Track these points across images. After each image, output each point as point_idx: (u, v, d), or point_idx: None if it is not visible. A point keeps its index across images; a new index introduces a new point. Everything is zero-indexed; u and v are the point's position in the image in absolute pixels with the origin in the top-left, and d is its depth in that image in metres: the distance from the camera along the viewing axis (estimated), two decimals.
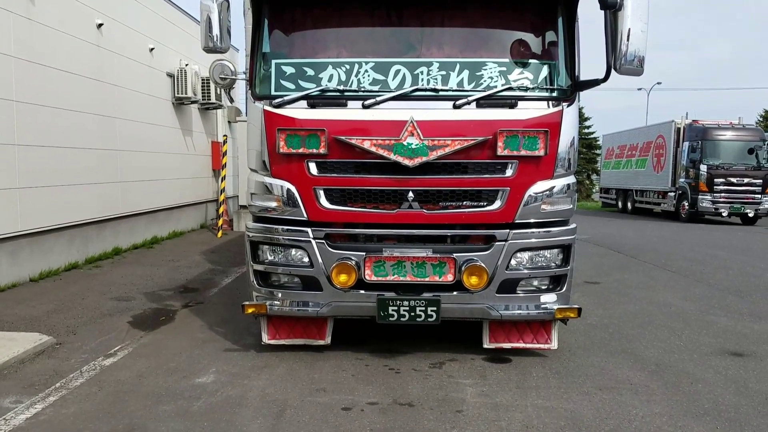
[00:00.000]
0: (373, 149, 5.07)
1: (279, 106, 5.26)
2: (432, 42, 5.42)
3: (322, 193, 5.28)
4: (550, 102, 5.26)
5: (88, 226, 10.45)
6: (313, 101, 5.23)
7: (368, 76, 5.31)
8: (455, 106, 5.14)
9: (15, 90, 8.45)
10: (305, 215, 5.32)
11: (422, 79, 5.26)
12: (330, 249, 5.32)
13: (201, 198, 16.28)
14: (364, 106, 5.14)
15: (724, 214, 22.25)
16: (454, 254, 5.23)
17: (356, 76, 5.31)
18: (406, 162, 5.07)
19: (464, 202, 5.26)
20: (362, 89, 5.26)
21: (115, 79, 11.42)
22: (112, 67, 11.28)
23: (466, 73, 5.27)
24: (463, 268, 5.15)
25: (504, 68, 5.31)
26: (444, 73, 5.28)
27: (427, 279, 5.26)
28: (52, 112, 9.32)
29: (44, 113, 9.13)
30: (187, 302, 8.02)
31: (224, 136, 16.11)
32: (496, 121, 5.10)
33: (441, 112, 5.15)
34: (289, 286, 5.54)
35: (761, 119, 46.23)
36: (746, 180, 21.94)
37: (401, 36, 5.48)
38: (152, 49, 13.06)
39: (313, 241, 5.33)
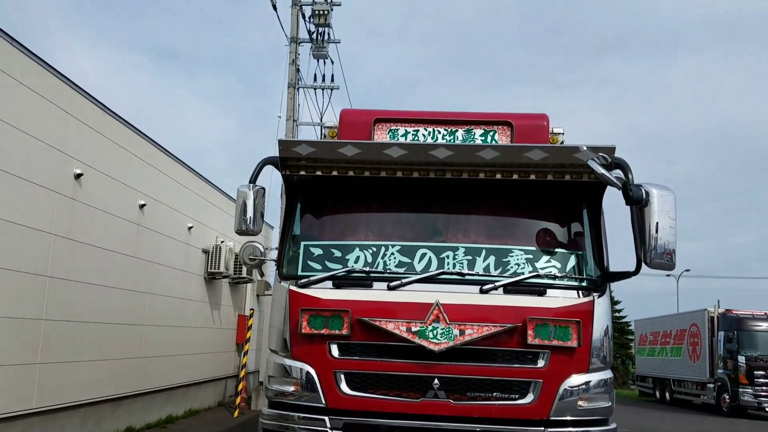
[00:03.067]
0: (397, 332, 4.96)
1: (305, 285, 5.27)
2: (458, 228, 5.53)
3: (342, 377, 5.09)
4: (580, 291, 5.19)
5: (104, 404, 10.12)
6: (339, 281, 5.24)
7: (394, 258, 5.36)
8: (482, 291, 5.08)
9: (50, 266, 8.67)
10: (323, 401, 5.08)
11: (448, 263, 5.28)
12: None
13: (221, 374, 15.90)
14: (390, 288, 5.13)
15: None
16: None
17: (382, 258, 5.36)
18: (432, 347, 4.92)
19: (494, 393, 5.00)
20: (388, 271, 5.27)
21: (152, 256, 11.76)
22: (150, 244, 11.67)
23: (492, 259, 5.29)
24: None
25: (531, 255, 5.33)
26: (470, 257, 5.30)
27: None
28: (84, 287, 9.49)
29: (76, 289, 9.29)
30: None
31: (251, 309, 16.14)
32: (525, 308, 5.00)
33: (467, 296, 5.09)
34: None
35: None
36: None
37: (427, 221, 5.62)
38: (191, 227, 13.60)
39: None
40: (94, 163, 9.72)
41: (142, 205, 11.28)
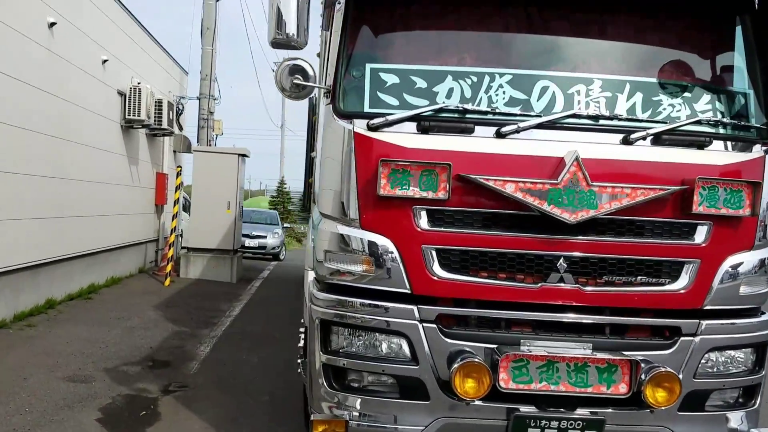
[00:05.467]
0: (519, 195, 3.52)
1: (377, 128, 3.63)
2: (592, 53, 3.98)
3: (434, 254, 3.64)
4: (747, 144, 3.90)
5: (21, 273, 8.15)
6: (427, 123, 3.64)
7: (503, 92, 3.79)
8: (626, 141, 3.68)
9: None
10: (408, 286, 3.65)
11: (579, 102, 3.79)
12: (444, 338, 3.65)
13: (141, 238, 13.98)
14: (499, 134, 3.61)
15: None
16: (627, 353, 3.68)
17: (486, 92, 3.78)
18: (566, 216, 3.54)
19: (637, 278, 3.75)
20: (495, 110, 3.72)
21: (65, 92, 9.30)
22: (62, 77, 9.19)
23: (639, 97, 3.84)
24: (645, 377, 3.58)
25: (689, 94, 3.92)
26: (609, 94, 3.83)
27: (589, 389, 3.65)
28: None
29: None
30: (166, 385, 6.03)
31: (179, 167, 14.02)
32: (688, 166, 3.67)
33: (608, 148, 3.69)
34: (376, 390, 3.78)
35: None
36: None
37: (550, 43, 4.00)
38: (105, 61, 11.00)
39: (420, 326, 3.65)
40: None
41: (52, 24, 8.66)
